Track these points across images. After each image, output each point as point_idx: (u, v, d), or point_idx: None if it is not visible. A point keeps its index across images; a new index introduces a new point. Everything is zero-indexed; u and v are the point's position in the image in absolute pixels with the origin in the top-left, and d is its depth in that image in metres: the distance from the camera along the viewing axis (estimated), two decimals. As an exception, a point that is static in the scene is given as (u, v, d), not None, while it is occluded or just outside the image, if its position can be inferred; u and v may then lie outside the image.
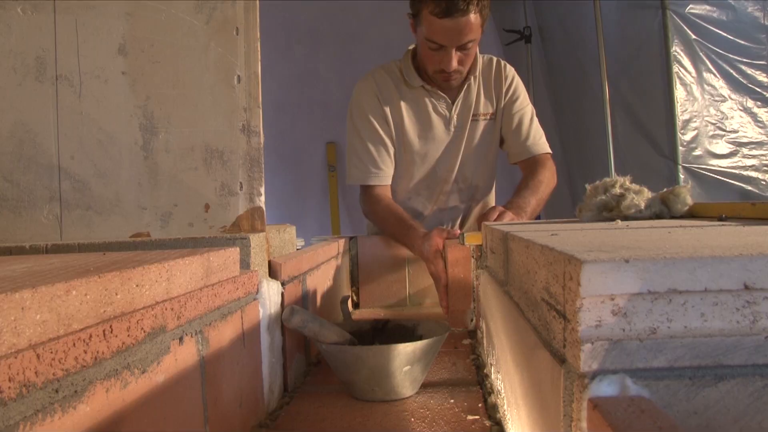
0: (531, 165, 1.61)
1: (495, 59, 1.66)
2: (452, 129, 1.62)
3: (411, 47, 1.64)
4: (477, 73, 1.60)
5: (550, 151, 1.65)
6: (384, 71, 1.63)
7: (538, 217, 1.60)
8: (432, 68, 1.51)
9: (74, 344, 0.37)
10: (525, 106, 1.64)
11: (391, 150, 1.60)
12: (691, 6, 2.57)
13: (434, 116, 1.61)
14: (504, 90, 1.63)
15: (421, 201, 1.69)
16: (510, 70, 1.66)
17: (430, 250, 1.34)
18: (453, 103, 1.60)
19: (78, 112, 0.86)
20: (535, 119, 1.66)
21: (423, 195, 1.69)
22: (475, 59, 1.57)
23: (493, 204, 1.79)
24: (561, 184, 1.59)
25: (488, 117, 1.64)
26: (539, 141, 1.63)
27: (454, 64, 1.46)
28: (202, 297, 0.59)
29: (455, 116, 1.61)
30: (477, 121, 1.63)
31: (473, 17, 1.38)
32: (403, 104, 1.59)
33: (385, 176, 1.59)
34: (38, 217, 0.86)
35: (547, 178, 1.57)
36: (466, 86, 1.60)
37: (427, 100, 1.60)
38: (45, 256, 0.67)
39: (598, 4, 2.87)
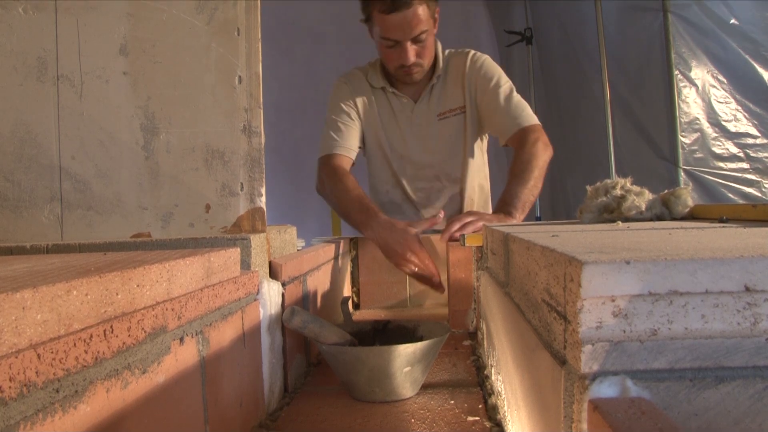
0: (518, 142, 1.55)
1: (464, 51, 1.66)
2: (415, 128, 1.65)
3: None
4: (440, 72, 1.62)
5: (535, 122, 1.57)
6: (358, 70, 1.70)
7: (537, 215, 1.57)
8: (392, 65, 1.56)
9: (75, 344, 0.37)
10: (501, 86, 1.60)
11: (358, 132, 1.64)
12: (693, 8, 2.57)
13: (398, 115, 1.65)
14: (473, 78, 1.62)
15: (398, 195, 1.71)
16: (479, 57, 1.64)
17: (405, 245, 1.29)
18: (415, 102, 1.64)
19: (79, 113, 0.86)
20: (515, 95, 1.60)
21: (400, 189, 1.71)
22: (437, 57, 1.61)
23: (489, 202, 1.79)
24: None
25: (457, 112, 1.65)
26: (522, 114, 1.57)
27: (412, 57, 1.51)
28: (203, 297, 0.59)
29: (416, 116, 1.64)
30: (445, 119, 1.65)
31: (420, 9, 1.43)
32: (374, 100, 1.65)
33: (347, 147, 1.60)
34: (39, 217, 0.86)
35: (534, 153, 1.49)
36: (429, 86, 1.63)
37: (391, 100, 1.66)
38: (46, 256, 0.67)
39: (599, 5, 2.87)
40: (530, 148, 1.51)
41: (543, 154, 1.51)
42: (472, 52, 1.65)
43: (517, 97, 1.60)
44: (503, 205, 1.42)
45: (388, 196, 1.72)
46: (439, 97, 1.64)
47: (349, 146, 1.60)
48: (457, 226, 1.30)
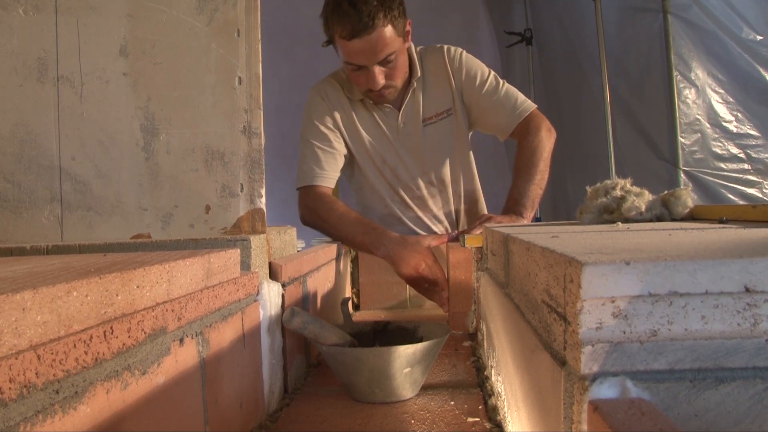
0: (520, 134, 1.52)
1: (437, 47, 1.58)
2: (402, 137, 1.58)
3: None
4: (419, 76, 1.54)
5: (532, 108, 1.53)
6: (334, 79, 1.59)
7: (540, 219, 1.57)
8: (361, 89, 1.48)
9: (75, 345, 0.37)
10: (486, 79, 1.55)
11: (339, 154, 1.55)
12: (693, 9, 2.56)
13: (383, 125, 1.57)
14: (453, 75, 1.56)
15: (399, 208, 1.66)
16: (455, 52, 1.57)
17: (420, 258, 1.30)
18: (399, 110, 1.56)
19: (79, 113, 0.86)
20: (504, 84, 1.55)
21: (398, 201, 1.65)
22: (413, 61, 1.53)
23: (482, 199, 1.76)
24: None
25: (443, 115, 1.58)
26: (517, 104, 1.53)
27: (380, 81, 1.42)
28: (203, 298, 0.59)
29: (402, 124, 1.57)
30: (431, 124, 1.58)
31: (384, 30, 1.33)
32: (353, 113, 1.56)
33: (327, 177, 1.52)
34: (39, 218, 0.86)
35: (538, 144, 1.47)
36: (410, 92, 1.55)
37: (373, 111, 1.57)
38: (46, 257, 0.67)
39: (599, 6, 2.88)
40: (533, 138, 1.47)
41: (547, 142, 1.48)
42: (445, 48, 1.57)
43: (504, 87, 1.55)
44: (513, 204, 1.41)
45: (387, 209, 1.65)
46: (423, 101, 1.57)
47: (330, 175, 1.52)
48: (479, 230, 1.28)
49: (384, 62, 1.39)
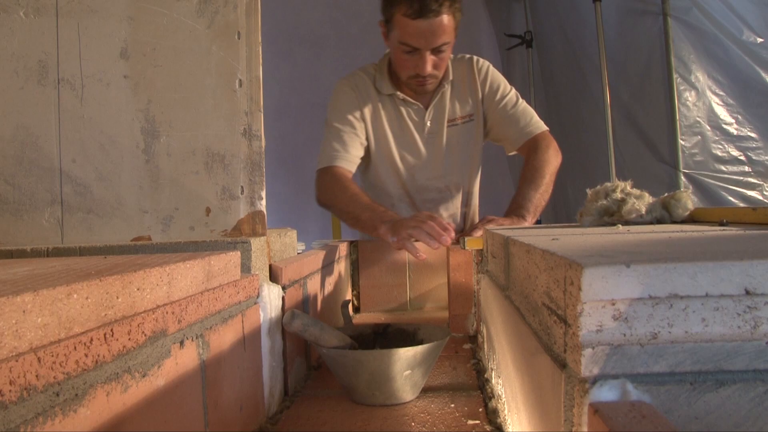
0: (529, 149, 1.57)
1: (466, 57, 1.64)
2: (427, 135, 1.62)
3: (387, 52, 1.62)
4: (450, 79, 1.59)
5: (545, 128, 1.59)
6: (363, 73, 1.63)
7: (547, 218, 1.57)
8: (406, 73, 1.51)
9: (75, 347, 0.37)
10: (507, 93, 1.62)
11: (361, 141, 1.57)
12: (693, 11, 2.56)
13: (409, 123, 1.61)
14: (479, 85, 1.62)
15: (404, 208, 1.67)
16: (483, 63, 1.64)
17: (415, 216, 1.24)
18: (426, 109, 1.60)
19: (80, 116, 0.86)
20: (522, 102, 1.62)
21: (406, 202, 1.67)
22: (447, 67, 1.57)
23: (477, 206, 1.77)
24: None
25: (467, 119, 1.63)
26: (531, 122, 1.59)
27: (429, 67, 1.45)
28: (203, 301, 0.59)
29: (429, 123, 1.61)
30: (455, 126, 1.63)
31: (446, 19, 1.38)
32: (380, 107, 1.60)
33: (349, 160, 1.53)
34: (39, 221, 0.86)
35: (546, 159, 1.52)
36: (439, 93, 1.59)
37: (400, 107, 1.60)
38: (46, 260, 0.67)
39: (599, 9, 2.88)
40: (542, 154, 1.52)
41: (554, 160, 1.53)
42: (474, 58, 1.64)
43: (522, 104, 1.61)
44: (516, 207, 1.43)
45: (394, 209, 1.64)
46: (449, 104, 1.61)
47: (351, 159, 1.53)
48: (480, 232, 1.27)
49: (437, 50, 1.44)
